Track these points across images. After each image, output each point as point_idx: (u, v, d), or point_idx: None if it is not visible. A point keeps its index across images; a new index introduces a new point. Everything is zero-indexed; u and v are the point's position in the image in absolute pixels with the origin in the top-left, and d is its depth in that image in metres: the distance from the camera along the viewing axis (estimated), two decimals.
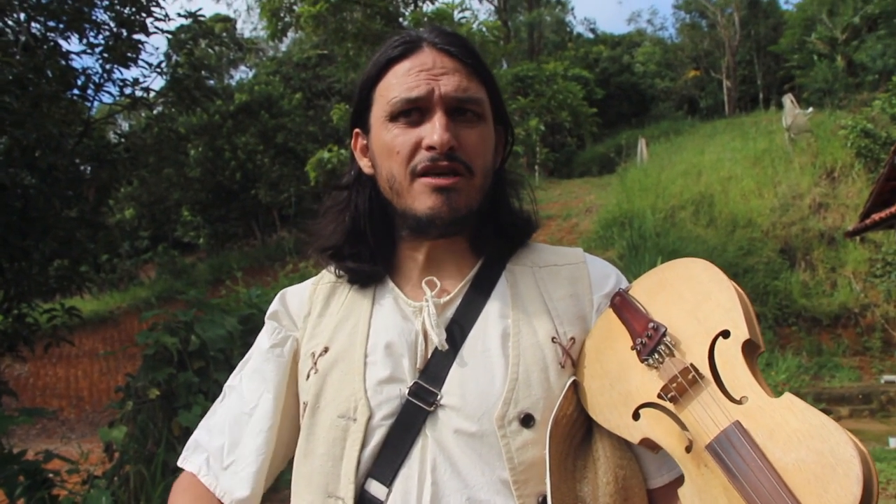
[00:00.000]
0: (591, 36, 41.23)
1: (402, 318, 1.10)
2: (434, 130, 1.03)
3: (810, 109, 19.19)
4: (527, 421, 1.00)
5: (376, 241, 1.15)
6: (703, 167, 18.06)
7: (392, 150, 1.06)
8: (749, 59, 35.10)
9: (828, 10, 27.73)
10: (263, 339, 1.21)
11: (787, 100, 19.00)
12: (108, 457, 4.90)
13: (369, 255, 1.15)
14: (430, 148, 1.03)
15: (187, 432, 4.90)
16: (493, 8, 31.07)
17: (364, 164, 1.16)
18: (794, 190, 15.95)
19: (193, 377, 4.79)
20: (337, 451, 1.03)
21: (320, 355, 1.11)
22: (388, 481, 1.00)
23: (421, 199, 1.05)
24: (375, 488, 1.01)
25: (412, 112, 1.05)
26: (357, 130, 1.17)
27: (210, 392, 4.92)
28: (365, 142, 1.15)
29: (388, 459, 1.01)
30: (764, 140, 18.87)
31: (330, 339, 1.12)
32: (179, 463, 1.20)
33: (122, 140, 7.36)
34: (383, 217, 1.15)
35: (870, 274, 13.85)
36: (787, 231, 15.07)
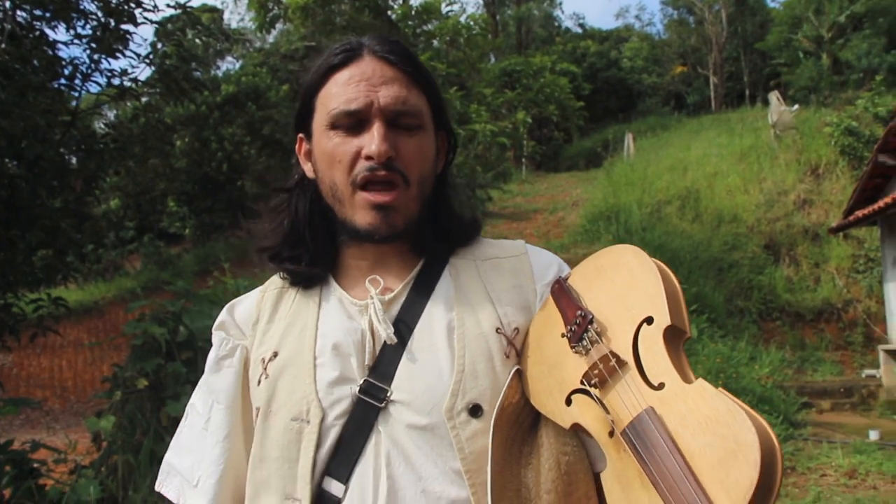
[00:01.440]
0: (579, 31, 41.23)
1: (347, 317, 1.11)
2: (372, 140, 1.05)
3: (796, 107, 19.31)
4: (475, 411, 1.02)
5: (315, 245, 1.16)
6: (690, 163, 18.14)
7: (333, 158, 1.08)
8: (736, 55, 35.23)
9: (814, 9, 27.89)
10: (212, 353, 1.22)
11: (774, 97, 19.12)
12: (95, 446, 4.89)
13: (308, 259, 1.16)
14: (368, 158, 1.05)
15: (175, 422, 4.88)
16: (481, 2, 31.06)
17: (307, 168, 1.18)
18: (779, 186, 16.07)
19: (182, 367, 4.78)
20: (292, 453, 1.04)
21: (270, 360, 1.12)
22: (345, 479, 1.01)
23: (361, 213, 1.07)
24: (332, 487, 1.02)
25: (352, 122, 1.07)
26: (301, 135, 1.19)
27: (198, 383, 4.91)
28: (308, 147, 1.17)
29: (343, 457, 1.03)
30: (750, 136, 18.97)
31: (279, 343, 1.13)
32: (157, 487, 1.21)
33: (110, 130, 7.30)
34: (324, 221, 1.17)
35: (853, 270, 14.00)
36: (771, 227, 15.18)
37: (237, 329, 1.21)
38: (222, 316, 1.24)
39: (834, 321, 13.42)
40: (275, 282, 1.23)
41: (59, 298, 6.17)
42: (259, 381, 1.12)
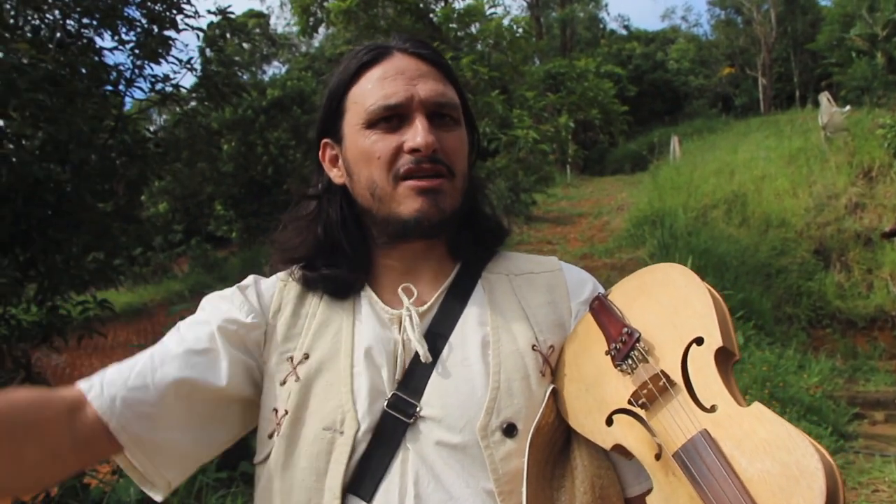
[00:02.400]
0: (624, 33, 40.88)
1: (380, 325, 1.07)
2: (417, 133, 1.02)
3: (847, 108, 18.84)
4: (510, 430, 0.98)
5: (353, 251, 1.12)
6: (737, 166, 17.84)
7: (372, 155, 1.05)
8: (786, 56, 34.55)
9: (868, 6, 27.19)
10: (229, 309, 1.10)
11: (824, 98, 18.66)
12: None
13: (347, 265, 1.11)
14: (413, 151, 1.02)
15: None
16: (525, 4, 30.98)
17: (334, 174, 1.14)
18: (830, 189, 15.68)
19: None
20: (321, 464, 0.99)
21: (300, 362, 1.06)
22: (369, 497, 0.97)
23: (406, 202, 1.04)
24: None
25: (392, 118, 1.04)
26: (326, 141, 1.15)
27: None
28: (335, 152, 1.13)
29: (368, 474, 0.98)
30: (799, 139, 18.59)
31: (310, 345, 1.07)
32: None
33: (155, 135, 7.43)
34: (357, 226, 1.13)
35: None
36: (821, 231, 14.82)
37: (260, 307, 1.12)
38: (249, 282, 1.16)
39: (888, 329, 13.02)
40: (295, 274, 1.17)
41: (105, 301, 6.27)
42: (284, 381, 1.06)
